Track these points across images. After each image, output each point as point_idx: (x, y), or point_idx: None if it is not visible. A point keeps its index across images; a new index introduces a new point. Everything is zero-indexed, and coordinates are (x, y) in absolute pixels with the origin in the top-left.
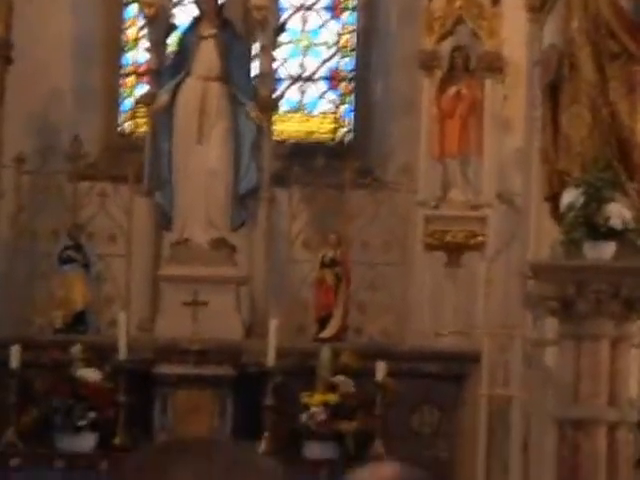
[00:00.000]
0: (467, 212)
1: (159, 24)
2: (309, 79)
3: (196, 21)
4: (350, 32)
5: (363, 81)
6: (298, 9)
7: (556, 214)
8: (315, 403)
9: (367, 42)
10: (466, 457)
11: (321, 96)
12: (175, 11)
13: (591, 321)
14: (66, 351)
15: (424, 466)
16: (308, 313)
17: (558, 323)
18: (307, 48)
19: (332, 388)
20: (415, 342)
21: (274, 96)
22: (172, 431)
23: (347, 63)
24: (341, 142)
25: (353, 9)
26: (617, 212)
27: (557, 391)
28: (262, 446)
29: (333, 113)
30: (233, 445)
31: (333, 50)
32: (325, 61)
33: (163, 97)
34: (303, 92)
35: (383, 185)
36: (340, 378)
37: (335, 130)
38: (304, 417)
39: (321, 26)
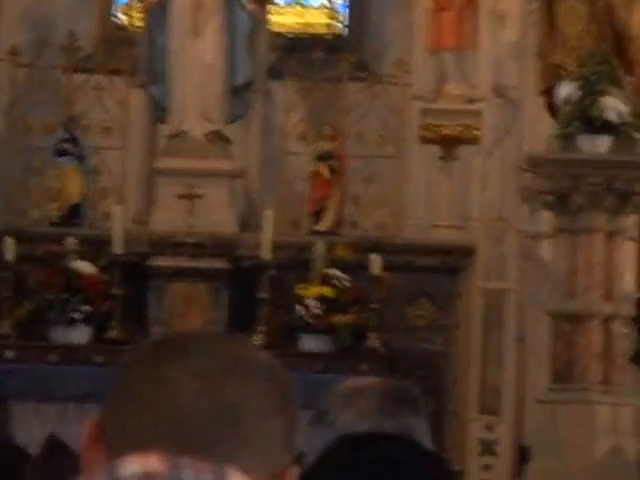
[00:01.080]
0: (462, 105)
1: None
2: None
3: None
4: None
5: None
6: None
7: (551, 108)
8: (310, 296)
9: None
10: (461, 350)
11: None
12: None
13: (586, 214)
14: (61, 244)
15: (419, 359)
16: (303, 206)
17: (553, 216)
18: None
19: (327, 281)
20: (410, 235)
21: None
22: (167, 324)
23: None
24: (337, 36)
25: None
26: (613, 106)
27: (552, 285)
28: (257, 339)
29: (328, 7)
30: (234, 341)
31: None
32: None
33: None
34: None
35: (379, 79)
36: (335, 271)
37: (330, 24)
38: (299, 310)
39: None
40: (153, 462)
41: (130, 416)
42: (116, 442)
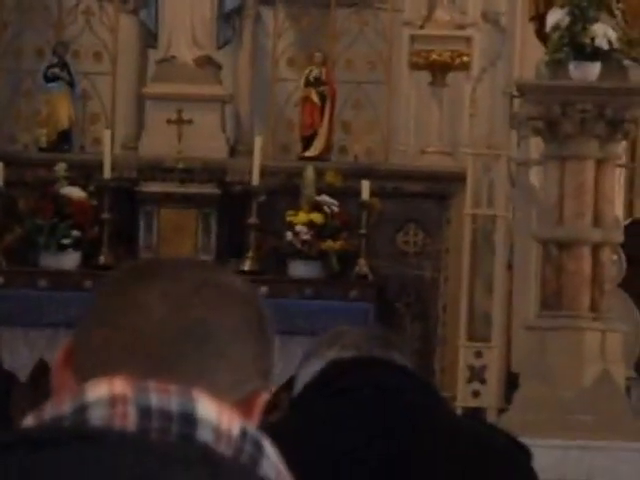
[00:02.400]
0: (452, 32)
1: None
2: None
3: None
4: None
5: None
6: None
7: (541, 34)
8: (299, 222)
9: None
10: (450, 276)
11: None
12: None
13: (576, 141)
14: (50, 169)
15: (408, 285)
16: (293, 132)
17: (543, 143)
18: None
19: (316, 207)
20: (399, 161)
21: None
22: (156, 249)
23: None
24: None
25: None
26: (602, 32)
27: (541, 211)
28: (246, 264)
29: None
30: (206, 266)
31: None
32: None
33: None
34: None
35: (368, 4)
36: (324, 197)
37: None
38: (289, 236)
39: None
40: (119, 386)
41: (98, 340)
42: (85, 366)
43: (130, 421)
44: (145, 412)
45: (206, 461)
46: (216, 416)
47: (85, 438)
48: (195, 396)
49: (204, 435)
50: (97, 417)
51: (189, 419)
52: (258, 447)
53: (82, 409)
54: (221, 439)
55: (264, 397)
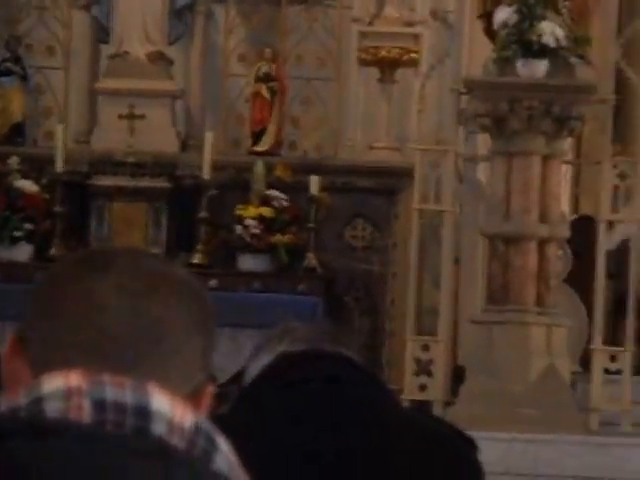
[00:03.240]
0: (401, 29)
1: None
2: None
3: None
4: None
5: None
6: None
7: (489, 32)
8: (249, 216)
9: None
10: (398, 270)
11: None
12: None
13: (523, 138)
14: (3, 162)
15: (356, 279)
16: (243, 127)
17: (490, 139)
18: None
19: (266, 201)
20: (348, 156)
21: None
22: (107, 243)
23: None
24: None
25: None
26: (550, 30)
27: (488, 207)
28: (196, 258)
29: None
30: (154, 258)
31: None
32: None
33: None
34: None
35: (318, 1)
36: (274, 192)
37: None
38: (238, 229)
39: None
40: (74, 379)
41: (54, 332)
42: (40, 359)
43: (85, 414)
44: (100, 405)
45: (160, 454)
46: (170, 409)
47: (41, 429)
48: (149, 390)
49: (158, 428)
50: (53, 409)
51: (143, 412)
52: (211, 440)
53: (38, 401)
54: (174, 432)
55: (210, 389)
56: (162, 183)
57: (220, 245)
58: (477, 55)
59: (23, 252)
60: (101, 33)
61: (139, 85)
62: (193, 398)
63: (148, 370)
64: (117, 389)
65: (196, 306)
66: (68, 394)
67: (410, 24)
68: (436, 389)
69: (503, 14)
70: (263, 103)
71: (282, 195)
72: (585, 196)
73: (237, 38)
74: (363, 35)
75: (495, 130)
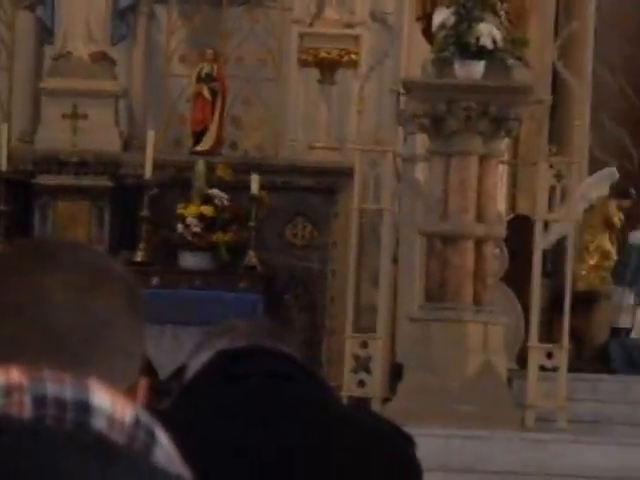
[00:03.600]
0: (341, 30)
1: None
2: None
3: None
4: None
5: None
6: None
7: (428, 33)
8: (190, 214)
9: None
10: (337, 268)
11: None
12: None
13: (460, 138)
14: None
15: (297, 276)
16: (185, 127)
17: (428, 139)
18: None
19: (207, 200)
20: (289, 156)
21: None
22: None
23: None
24: None
25: None
26: (487, 32)
27: (426, 206)
28: (138, 255)
29: None
30: (94, 252)
31: None
32: None
33: None
34: None
35: (259, 3)
36: (215, 191)
37: None
38: (179, 228)
39: None
40: (15, 375)
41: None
42: None
43: (26, 409)
44: (40, 401)
45: (100, 448)
46: (110, 404)
47: None
48: (90, 385)
49: (98, 423)
50: None
51: (84, 407)
52: (151, 435)
53: None
54: (115, 427)
55: (144, 382)
56: (105, 182)
57: (162, 243)
58: (416, 56)
59: None
60: (45, 34)
61: (82, 85)
62: (130, 392)
63: (93, 366)
64: (57, 385)
65: (132, 301)
66: (8, 390)
67: (350, 26)
68: (374, 386)
69: (441, 16)
70: (204, 103)
71: (223, 194)
72: (522, 196)
73: (179, 39)
74: (303, 36)
75: (433, 130)
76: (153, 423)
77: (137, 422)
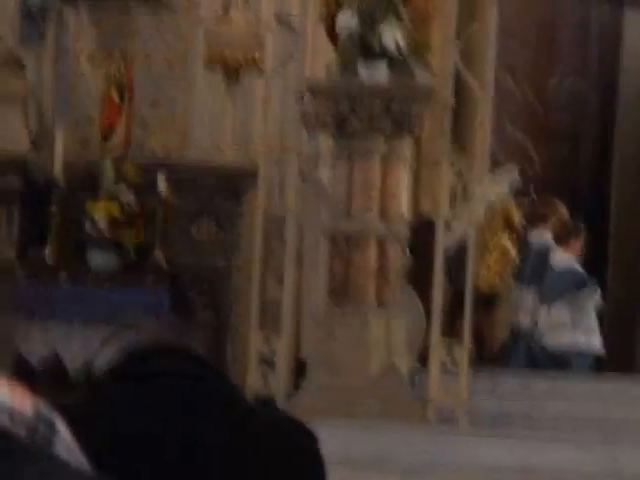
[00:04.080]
0: (246, 31)
1: None
2: None
3: None
4: None
5: None
6: None
7: (332, 35)
8: (98, 213)
9: None
10: (243, 267)
11: None
12: None
13: (363, 139)
14: None
15: (202, 275)
16: (93, 127)
17: (332, 140)
18: None
19: (115, 200)
20: (195, 157)
21: None
22: None
23: None
24: None
25: None
26: (390, 34)
27: (330, 206)
28: (47, 254)
29: None
30: None
31: None
32: None
33: None
34: None
35: (166, 4)
36: (122, 190)
37: None
38: (88, 227)
39: None
40: None
41: None
42: None
43: None
44: None
45: (2, 442)
46: (10, 398)
47: None
48: None
49: (0, 419)
50: None
51: None
52: (51, 427)
53: None
54: (15, 420)
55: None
56: (14, 182)
57: (70, 242)
58: (320, 58)
59: None
60: None
61: None
62: None
63: None
64: None
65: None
66: None
67: (255, 27)
68: (279, 383)
69: (345, 18)
70: (112, 104)
71: (130, 193)
72: (424, 196)
73: (87, 39)
74: (209, 38)
75: (337, 131)
76: (54, 416)
77: (37, 415)
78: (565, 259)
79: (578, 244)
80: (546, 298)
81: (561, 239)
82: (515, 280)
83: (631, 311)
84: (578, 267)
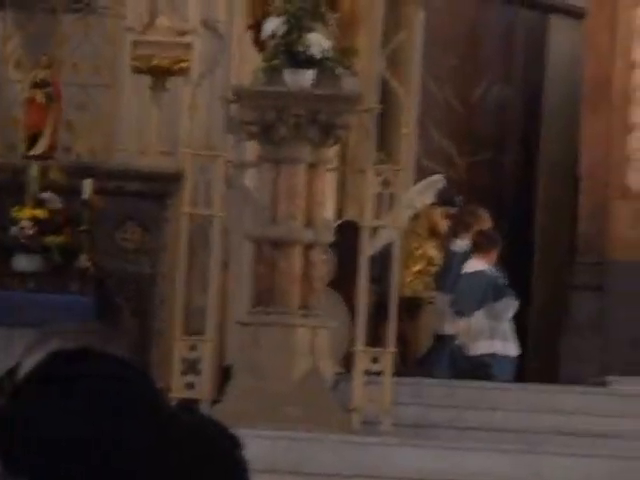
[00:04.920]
0: (173, 38)
1: None
2: None
3: None
4: None
5: None
6: None
7: (258, 42)
8: (24, 217)
9: None
10: (168, 272)
11: None
12: None
13: (289, 145)
14: None
15: (127, 280)
16: (19, 131)
17: (258, 146)
18: None
19: (40, 203)
20: (121, 161)
21: None
22: None
23: None
24: None
25: None
26: (316, 41)
27: (255, 212)
28: None
29: None
30: None
31: None
32: None
33: None
34: None
35: (94, 10)
36: (48, 194)
37: None
38: (13, 230)
39: None
40: None
41: None
42: None
43: None
44: None
45: None
46: None
47: None
48: None
49: None
50: None
51: None
52: None
53: None
54: None
55: None
56: None
57: None
58: (247, 65)
59: None
60: None
61: None
62: None
63: None
64: None
65: None
66: None
67: (182, 33)
68: (203, 388)
69: (271, 25)
70: (39, 108)
71: (56, 197)
72: (349, 202)
73: (14, 45)
74: (136, 44)
75: (263, 137)
76: None
77: None
78: (477, 268)
79: (494, 254)
80: (464, 308)
81: (479, 248)
82: (437, 287)
83: (556, 320)
84: (494, 276)
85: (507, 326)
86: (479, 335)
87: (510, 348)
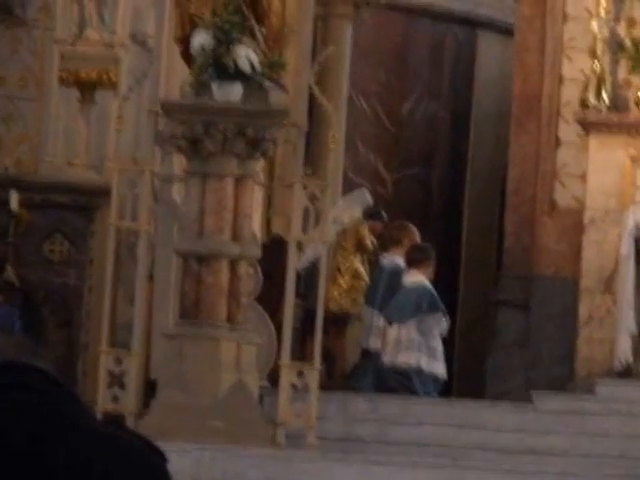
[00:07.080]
0: (101, 51)
1: None
2: None
3: None
4: None
5: None
6: None
7: (187, 56)
8: None
9: None
10: (94, 285)
11: None
12: None
13: (217, 160)
14: None
15: (54, 292)
16: None
17: (186, 160)
18: None
19: None
20: (48, 173)
21: None
22: None
23: None
24: None
25: None
26: (245, 54)
27: (182, 226)
28: None
29: None
30: None
31: None
32: None
33: None
34: None
35: (22, 22)
36: None
37: None
38: None
39: None
40: None
41: None
42: None
43: None
44: None
45: None
46: None
47: None
48: None
49: None
50: None
51: None
52: None
53: None
54: None
55: None
56: None
57: None
58: (175, 78)
59: None
60: None
61: None
62: None
63: None
64: None
65: None
66: None
67: (110, 46)
68: (129, 402)
69: (200, 38)
70: None
71: None
72: (277, 217)
73: None
74: (64, 56)
75: (190, 152)
76: None
77: None
78: (418, 280)
79: (430, 267)
80: (397, 317)
81: (414, 261)
82: (366, 302)
83: (481, 337)
84: (431, 290)
85: (437, 344)
86: (408, 345)
87: (437, 367)
